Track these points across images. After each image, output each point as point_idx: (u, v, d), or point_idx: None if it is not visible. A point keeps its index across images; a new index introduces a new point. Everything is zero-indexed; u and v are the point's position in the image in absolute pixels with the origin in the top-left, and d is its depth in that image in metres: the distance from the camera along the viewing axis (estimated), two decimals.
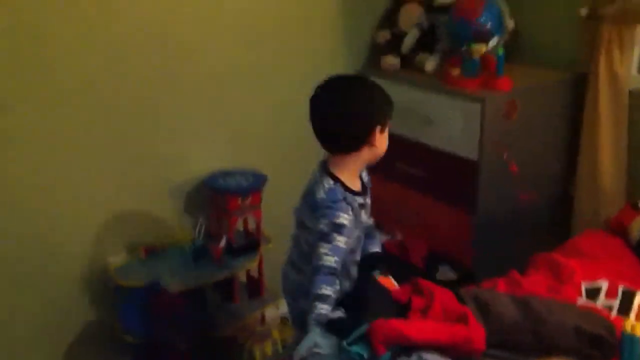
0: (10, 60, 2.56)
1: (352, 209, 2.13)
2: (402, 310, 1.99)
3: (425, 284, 2.04)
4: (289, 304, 2.43)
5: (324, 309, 2.02)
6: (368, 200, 2.28)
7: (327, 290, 2.04)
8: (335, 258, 2.07)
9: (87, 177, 2.84)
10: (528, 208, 3.10)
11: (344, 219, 2.09)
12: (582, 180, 3.08)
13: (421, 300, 2.00)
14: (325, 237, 2.07)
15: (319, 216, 2.10)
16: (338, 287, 2.07)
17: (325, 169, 2.18)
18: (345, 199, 2.12)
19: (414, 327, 1.83)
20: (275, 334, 3.08)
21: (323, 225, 2.08)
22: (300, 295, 2.25)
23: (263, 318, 3.14)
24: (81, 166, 2.81)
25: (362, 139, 2.12)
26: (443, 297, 2.00)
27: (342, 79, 2.21)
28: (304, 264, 2.23)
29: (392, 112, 2.21)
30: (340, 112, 2.09)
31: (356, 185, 2.21)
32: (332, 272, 2.06)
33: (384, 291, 2.10)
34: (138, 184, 2.97)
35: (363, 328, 1.85)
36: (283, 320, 3.19)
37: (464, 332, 1.87)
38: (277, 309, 3.16)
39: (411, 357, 1.79)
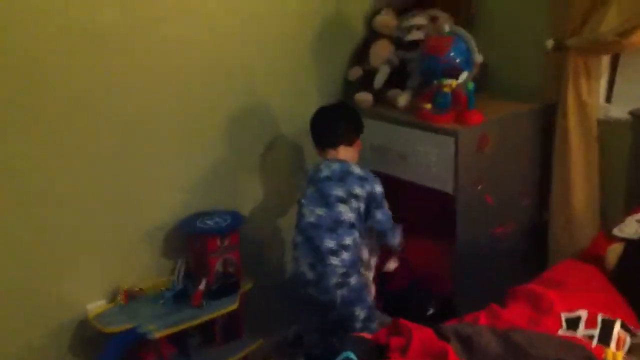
0: None
1: None
2: (381, 351, 2.00)
3: (404, 322, 2.04)
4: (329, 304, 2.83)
5: None
6: None
7: None
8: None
9: (62, 224, 2.82)
10: (505, 239, 3.13)
11: None
12: (555, 210, 3.11)
13: (400, 339, 2.00)
14: (383, 196, 2.90)
15: (372, 182, 2.88)
16: None
17: (341, 159, 2.95)
18: None
19: None
20: None
21: (380, 188, 2.89)
22: (353, 270, 2.83)
23: (248, 358, 3.12)
24: (55, 213, 2.79)
25: (354, 137, 3.02)
26: (422, 334, 2.01)
27: (341, 101, 3.41)
28: (346, 238, 2.81)
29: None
30: (347, 115, 3.07)
31: None
32: None
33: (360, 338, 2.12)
34: (115, 230, 2.96)
35: (342, 356, 1.93)
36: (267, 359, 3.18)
37: None
38: (260, 350, 3.14)
39: None
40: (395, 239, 2.97)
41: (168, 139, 3.04)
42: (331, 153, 2.96)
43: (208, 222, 3.06)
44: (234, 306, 2.99)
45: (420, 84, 3.26)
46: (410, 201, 3.15)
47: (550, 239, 3.15)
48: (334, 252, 2.78)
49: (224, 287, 3.04)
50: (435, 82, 3.04)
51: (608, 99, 3.09)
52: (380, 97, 3.41)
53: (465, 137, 2.91)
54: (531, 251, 3.26)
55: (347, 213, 2.81)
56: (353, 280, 2.80)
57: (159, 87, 2.97)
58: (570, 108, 2.98)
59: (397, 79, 3.40)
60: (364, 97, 3.40)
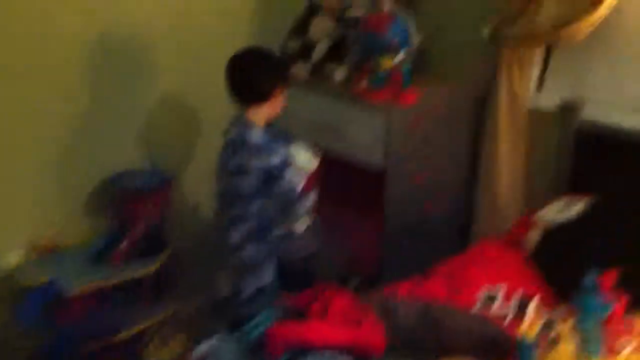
0: None
1: None
2: (301, 315, 2.01)
3: (323, 288, 2.05)
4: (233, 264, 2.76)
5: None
6: None
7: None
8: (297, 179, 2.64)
9: None
10: (432, 219, 3.17)
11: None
12: (481, 195, 3.17)
13: (319, 304, 2.01)
14: (285, 166, 2.61)
15: (268, 154, 2.60)
16: None
17: (245, 121, 2.66)
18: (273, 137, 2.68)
19: (312, 330, 1.85)
20: (181, 335, 3.02)
21: (276, 159, 2.60)
22: (249, 241, 2.69)
23: (169, 319, 3.08)
24: None
25: (271, 91, 2.67)
26: (343, 300, 2.03)
27: (257, 48, 2.81)
28: (246, 210, 2.65)
29: (289, 80, 2.82)
30: (260, 65, 2.70)
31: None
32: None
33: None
34: (40, 182, 2.89)
35: (263, 315, 1.98)
36: (189, 320, 3.15)
37: (364, 333, 1.89)
38: (184, 309, 3.12)
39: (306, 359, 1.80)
40: (300, 209, 2.70)
41: (99, 96, 2.98)
42: (242, 110, 2.70)
43: (135, 180, 3.01)
44: (154, 267, 2.95)
45: (358, 60, 3.26)
46: (341, 177, 3.16)
47: (475, 224, 3.21)
48: (233, 222, 2.70)
49: (148, 247, 2.99)
50: (372, 59, 3.06)
51: (539, 87, 3.15)
52: (317, 71, 3.40)
53: (398, 116, 2.94)
54: (458, 232, 3.31)
55: (242, 186, 2.63)
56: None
57: (90, 41, 2.91)
58: (501, 97, 3.02)
59: (336, 53, 3.40)
60: (301, 70, 3.38)
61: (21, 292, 2.74)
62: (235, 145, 2.64)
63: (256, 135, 2.63)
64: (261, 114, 2.68)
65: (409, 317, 2.04)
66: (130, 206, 2.95)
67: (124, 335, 2.85)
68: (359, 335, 1.88)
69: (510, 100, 3.03)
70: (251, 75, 2.68)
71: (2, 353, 2.90)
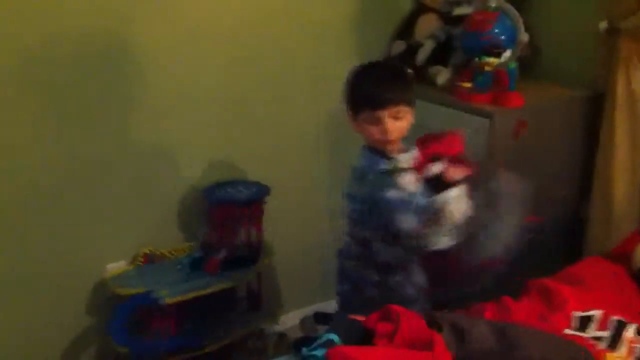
0: None
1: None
2: (368, 336, 1.92)
3: (395, 308, 1.95)
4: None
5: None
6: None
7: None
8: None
9: (92, 187, 2.83)
10: (538, 232, 2.95)
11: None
12: (595, 204, 2.93)
13: (388, 325, 1.91)
14: (386, 181, 2.19)
15: (369, 175, 2.24)
16: None
17: None
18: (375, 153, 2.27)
19: (370, 356, 1.75)
20: (271, 350, 3.02)
21: (373, 177, 2.22)
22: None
23: (260, 333, 3.08)
24: (84, 176, 2.80)
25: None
26: (411, 322, 1.91)
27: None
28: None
29: (368, 105, 2.23)
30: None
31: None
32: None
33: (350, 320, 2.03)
34: (140, 194, 2.95)
35: (324, 337, 1.88)
36: (281, 336, 3.13)
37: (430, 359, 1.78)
38: (276, 324, 3.10)
39: None
40: None
41: (198, 110, 3.00)
42: None
43: (232, 191, 3.02)
44: (251, 277, 2.95)
45: (463, 62, 3.11)
46: None
47: (588, 235, 2.96)
48: None
49: (243, 258, 2.98)
50: (476, 60, 2.90)
51: None
52: (422, 73, 3.26)
53: (502, 120, 2.76)
54: (566, 247, 3.07)
55: None
56: None
57: (199, 56, 2.93)
58: (618, 97, 2.79)
59: (441, 55, 3.26)
60: None
61: (116, 301, 2.80)
62: None
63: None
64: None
65: (483, 339, 1.90)
66: (227, 216, 2.95)
67: (218, 346, 2.86)
68: None
69: (628, 101, 2.80)
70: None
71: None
